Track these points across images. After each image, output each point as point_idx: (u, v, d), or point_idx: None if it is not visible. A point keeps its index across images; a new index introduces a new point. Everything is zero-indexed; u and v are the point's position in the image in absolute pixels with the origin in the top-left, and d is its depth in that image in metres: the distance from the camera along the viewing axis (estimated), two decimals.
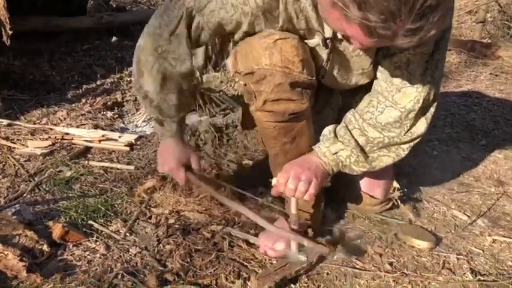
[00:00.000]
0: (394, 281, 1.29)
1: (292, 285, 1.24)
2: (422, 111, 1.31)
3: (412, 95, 1.28)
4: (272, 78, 1.22)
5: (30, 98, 2.55)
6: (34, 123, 2.23)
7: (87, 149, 2.00)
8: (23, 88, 2.69)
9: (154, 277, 1.26)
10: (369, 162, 1.35)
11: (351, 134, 1.33)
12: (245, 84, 1.28)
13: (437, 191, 1.80)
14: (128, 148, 2.00)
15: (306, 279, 1.27)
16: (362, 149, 1.34)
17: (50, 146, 1.98)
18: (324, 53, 1.30)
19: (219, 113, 2.48)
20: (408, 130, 1.32)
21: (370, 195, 1.54)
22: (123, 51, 3.69)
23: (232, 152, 2.08)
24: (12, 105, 2.39)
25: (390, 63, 1.27)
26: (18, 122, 2.22)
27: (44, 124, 2.23)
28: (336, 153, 1.33)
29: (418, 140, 1.35)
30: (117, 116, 2.48)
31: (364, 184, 1.53)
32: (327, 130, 1.36)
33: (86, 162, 1.87)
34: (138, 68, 1.40)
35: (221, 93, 2.66)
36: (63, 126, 2.20)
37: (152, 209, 1.59)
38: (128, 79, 2.96)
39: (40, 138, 2.04)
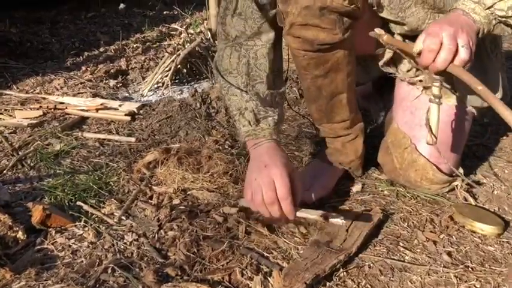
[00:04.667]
0: (456, 276, 1.01)
1: (327, 282, 0.97)
2: None
3: None
4: None
5: (25, 66, 2.31)
6: (27, 93, 1.99)
7: (83, 120, 1.75)
8: (18, 56, 2.46)
9: (152, 272, 1.00)
10: None
11: None
12: (277, 5, 1.10)
13: (494, 163, 1.50)
14: (128, 118, 1.74)
15: (344, 274, 1.00)
16: None
17: (40, 116, 1.73)
18: None
19: None
20: None
21: (436, 167, 1.24)
22: (131, 18, 3.43)
23: None
24: (3, 73, 2.15)
25: None
26: (8, 91, 1.98)
27: (37, 93, 1.98)
28: (491, 6, 1.05)
29: None
30: (120, 84, 2.23)
31: (432, 153, 1.23)
32: None
33: (80, 134, 1.62)
34: (220, 75, 1.22)
35: None
36: (58, 95, 1.95)
37: (154, 187, 1.33)
38: (134, 45, 2.69)
39: (30, 108, 1.79)
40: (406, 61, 1.24)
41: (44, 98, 1.90)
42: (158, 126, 1.70)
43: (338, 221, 1.02)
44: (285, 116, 1.38)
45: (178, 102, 1.84)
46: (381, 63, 1.31)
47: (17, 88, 2.05)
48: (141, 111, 1.82)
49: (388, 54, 1.26)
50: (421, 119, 1.22)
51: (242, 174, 1.37)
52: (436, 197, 1.28)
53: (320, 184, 1.31)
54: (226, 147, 1.56)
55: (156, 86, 2.20)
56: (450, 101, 1.22)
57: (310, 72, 1.17)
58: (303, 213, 1.07)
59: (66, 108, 1.78)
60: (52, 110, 1.78)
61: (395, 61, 1.29)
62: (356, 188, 1.34)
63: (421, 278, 1.00)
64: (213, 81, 2.19)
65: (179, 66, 2.22)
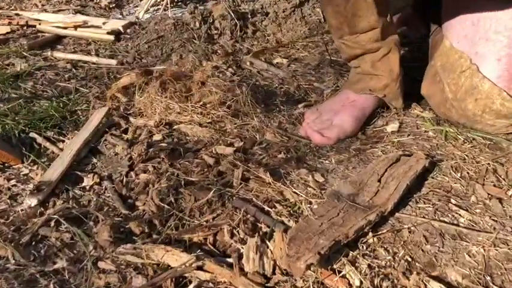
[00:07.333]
0: None
1: (350, 251, 0.68)
2: None
3: None
4: None
5: None
6: (0, 9, 1.69)
7: (59, 39, 1.45)
8: None
9: (109, 227, 0.73)
10: None
11: None
12: None
13: None
14: (112, 37, 1.43)
15: (374, 240, 0.72)
16: None
17: (7, 33, 1.44)
18: None
19: (244, 1, 1.86)
20: None
21: (507, 94, 0.90)
22: None
23: (259, 46, 1.48)
24: None
25: None
26: None
27: (12, 10, 1.68)
28: None
29: None
30: (114, 5, 1.91)
31: (503, 74, 0.90)
32: None
33: (50, 53, 1.32)
34: None
35: None
36: (35, 12, 1.65)
37: (131, 118, 1.04)
38: None
39: None
40: None
41: (18, 14, 1.60)
42: (147, 47, 1.40)
43: None
44: None
45: (173, 20, 1.51)
46: None
47: None
48: (128, 31, 1.50)
49: None
50: (487, 31, 0.89)
51: (244, 106, 1.07)
52: (500, 139, 0.96)
53: (343, 121, 1.00)
54: (229, 74, 1.26)
55: (154, 8, 1.88)
56: None
57: None
58: None
59: (40, 24, 1.48)
60: (24, 27, 1.48)
61: None
62: (392, 127, 1.03)
63: (484, 250, 0.71)
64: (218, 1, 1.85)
65: None
